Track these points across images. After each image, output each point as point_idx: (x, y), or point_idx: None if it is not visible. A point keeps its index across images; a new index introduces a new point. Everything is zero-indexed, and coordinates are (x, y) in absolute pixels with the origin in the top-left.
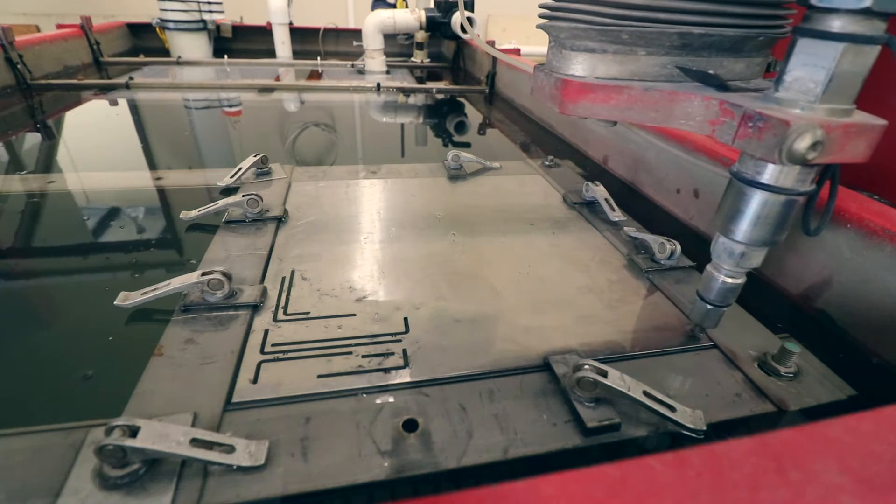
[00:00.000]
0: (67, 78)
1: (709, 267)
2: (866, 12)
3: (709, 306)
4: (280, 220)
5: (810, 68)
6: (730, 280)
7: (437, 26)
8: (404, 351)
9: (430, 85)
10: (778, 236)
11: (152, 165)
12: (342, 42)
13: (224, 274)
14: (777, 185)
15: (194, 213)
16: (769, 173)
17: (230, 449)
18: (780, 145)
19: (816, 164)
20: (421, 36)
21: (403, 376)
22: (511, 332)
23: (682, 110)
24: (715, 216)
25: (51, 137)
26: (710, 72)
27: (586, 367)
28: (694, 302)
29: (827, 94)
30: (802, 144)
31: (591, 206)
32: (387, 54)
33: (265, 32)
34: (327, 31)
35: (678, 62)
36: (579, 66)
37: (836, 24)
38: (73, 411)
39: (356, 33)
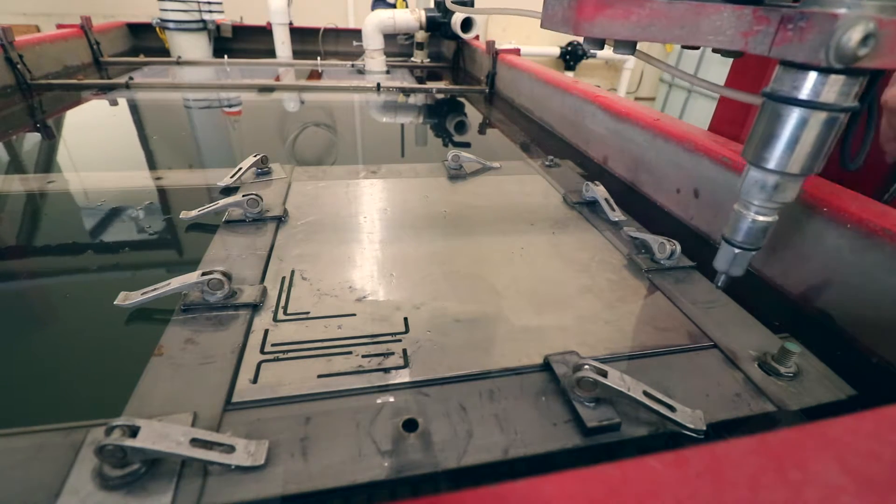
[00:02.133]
0: (67, 78)
1: (736, 206)
2: None
3: (736, 250)
4: (280, 220)
5: None
6: (760, 218)
7: (437, 26)
8: (404, 351)
9: (430, 85)
10: (816, 163)
11: (152, 165)
12: (342, 42)
13: (224, 274)
14: (818, 100)
15: (194, 212)
16: (809, 86)
17: (230, 449)
18: (828, 42)
19: (863, 72)
20: (421, 36)
21: (403, 376)
22: (511, 331)
23: (710, 24)
24: (745, 147)
25: (51, 137)
26: None
27: (586, 367)
28: (720, 247)
29: None
30: (854, 37)
31: (591, 206)
32: (387, 54)
33: (265, 32)
34: (327, 31)
35: None
36: None
37: None
38: (73, 411)
39: (356, 33)
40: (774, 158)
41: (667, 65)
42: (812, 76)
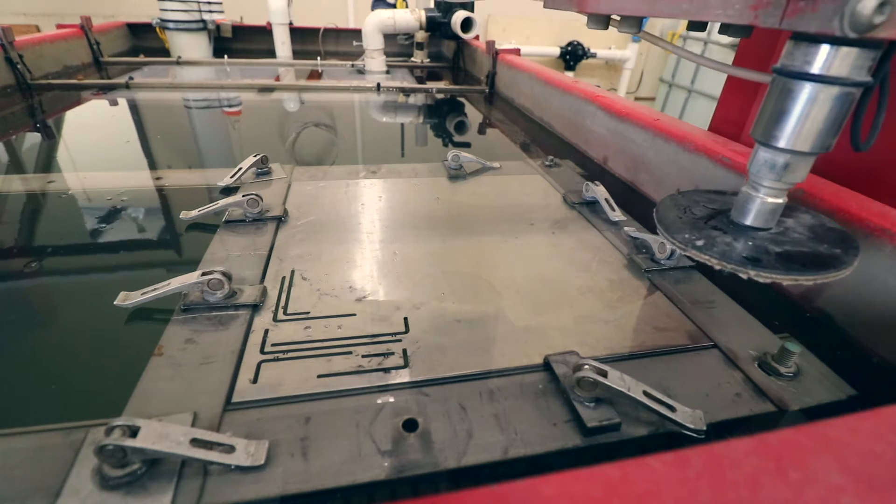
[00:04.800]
0: (67, 78)
1: (745, 188)
2: None
3: None
4: (280, 220)
5: None
6: (770, 199)
7: (437, 26)
8: (404, 351)
9: (430, 85)
10: (827, 140)
11: (152, 165)
12: (342, 42)
13: (224, 274)
14: (830, 75)
15: (194, 212)
16: (821, 60)
17: (230, 449)
18: (842, 10)
19: (878, 44)
20: (421, 36)
21: (403, 376)
22: (511, 331)
23: None
24: (754, 127)
25: (51, 137)
26: None
27: (586, 367)
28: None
29: None
30: (870, 3)
31: (591, 206)
32: (387, 54)
33: (265, 32)
34: (327, 31)
35: None
36: None
37: None
38: (73, 411)
39: (356, 33)
40: (785, 136)
41: (673, 45)
42: (824, 49)
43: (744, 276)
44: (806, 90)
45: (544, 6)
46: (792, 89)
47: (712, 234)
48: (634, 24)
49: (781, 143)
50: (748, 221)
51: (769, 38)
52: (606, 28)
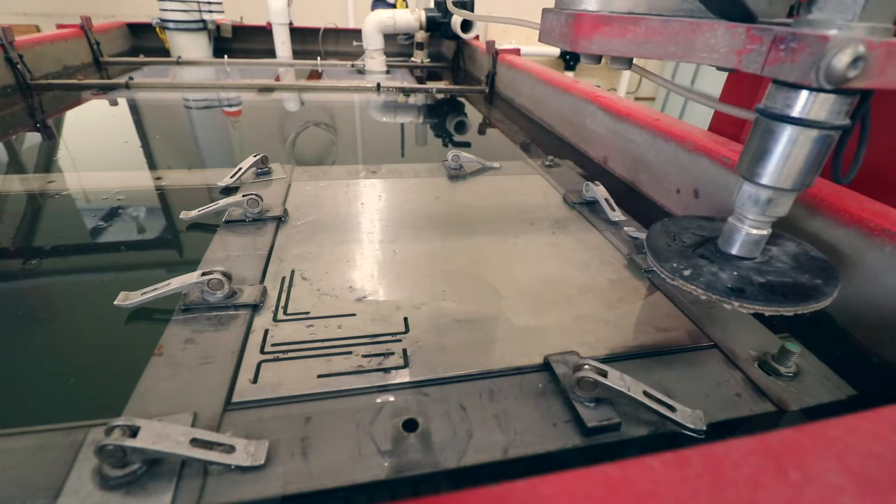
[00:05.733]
0: (67, 78)
1: (731, 219)
2: None
3: None
4: (280, 220)
5: None
6: (754, 231)
7: (437, 26)
8: (404, 351)
9: (430, 85)
10: (808, 178)
11: (152, 165)
12: (342, 42)
13: (224, 274)
14: (809, 118)
15: (194, 213)
16: (801, 105)
17: (230, 449)
18: (818, 63)
19: (854, 92)
20: (421, 36)
21: (403, 376)
22: (511, 331)
23: (704, 42)
24: (739, 161)
25: (51, 137)
26: None
27: (586, 367)
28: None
29: (866, 10)
30: (843, 60)
31: (591, 206)
32: (387, 54)
33: (265, 32)
34: (327, 31)
35: None
36: (593, 0)
37: None
38: (73, 411)
39: (356, 33)
40: (767, 174)
41: (662, 79)
42: (804, 94)
43: (728, 307)
44: (787, 132)
45: (539, 40)
46: (774, 130)
47: (699, 264)
48: (626, 61)
49: (764, 181)
50: (734, 251)
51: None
52: (599, 62)
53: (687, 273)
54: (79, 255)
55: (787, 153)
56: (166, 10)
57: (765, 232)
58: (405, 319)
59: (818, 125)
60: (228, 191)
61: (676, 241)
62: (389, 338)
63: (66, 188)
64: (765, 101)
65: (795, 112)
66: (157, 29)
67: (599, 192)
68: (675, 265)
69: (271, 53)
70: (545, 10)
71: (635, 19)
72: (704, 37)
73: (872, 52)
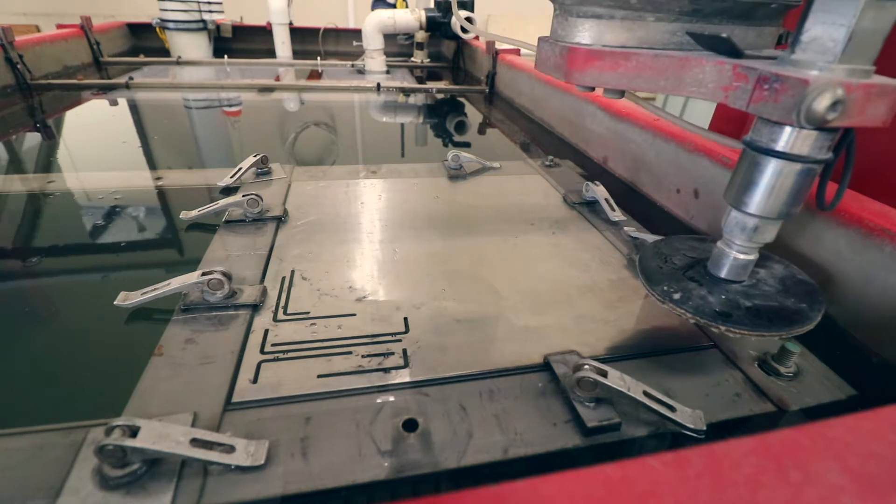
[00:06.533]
0: (67, 78)
1: (719, 243)
2: None
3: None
4: (280, 220)
5: (829, 26)
6: (742, 256)
7: (437, 26)
8: (404, 351)
9: (430, 85)
10: (793, 208)
11: (152, 165)
12: (342, 42)
13: (224, 274)
14: (793, 153)
15: (194, 213)
16: (785, 140)
17: (230, 449)
18: (799, 106)
19: (835, 128)
20: (421, 36)
21: (403, 376)
22: (511, 332)
23: (692, 77)
24: (727, 189)
25: (51, 137)
26: (723, 35)
27: (586, 367)
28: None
29: (846, 53)
30: (822, 104)
31: (591, 206)
32: (387, 54)
33: (265, 32)
34: (327, 31)
35: (688, 28)
36: (586, 34)
37: None
38: (73, 411)
39: (356, 33)
40: (754, 203)
41: (655, 107)
42: (787, 130)
43: (715, 331)
44: (772, 165)
45: (535, 67)
46: (759, 163)
47: (689, 287)
48: (618, 92)
49: (751, 210)
50: (722, 275)
51: None
52: (592, 91)
53: (677, 297)
54: (79, 255)
55: (772, 185)
56: (166, 10)
57: (752, 257)
58: (405, 319)
59: (801, 159)
60: (228, 191)
61: (668, 263)
62: (389, 338)
63: (67, 188)
64: (751, 134)
65: (779, 146)
66: (157, 29)
67: (599, 192)
68: (665, 288)
69: (271, 53)
70: (541, 40)
71: (627, 54)
72: (693, 72)
73: (851, 94)
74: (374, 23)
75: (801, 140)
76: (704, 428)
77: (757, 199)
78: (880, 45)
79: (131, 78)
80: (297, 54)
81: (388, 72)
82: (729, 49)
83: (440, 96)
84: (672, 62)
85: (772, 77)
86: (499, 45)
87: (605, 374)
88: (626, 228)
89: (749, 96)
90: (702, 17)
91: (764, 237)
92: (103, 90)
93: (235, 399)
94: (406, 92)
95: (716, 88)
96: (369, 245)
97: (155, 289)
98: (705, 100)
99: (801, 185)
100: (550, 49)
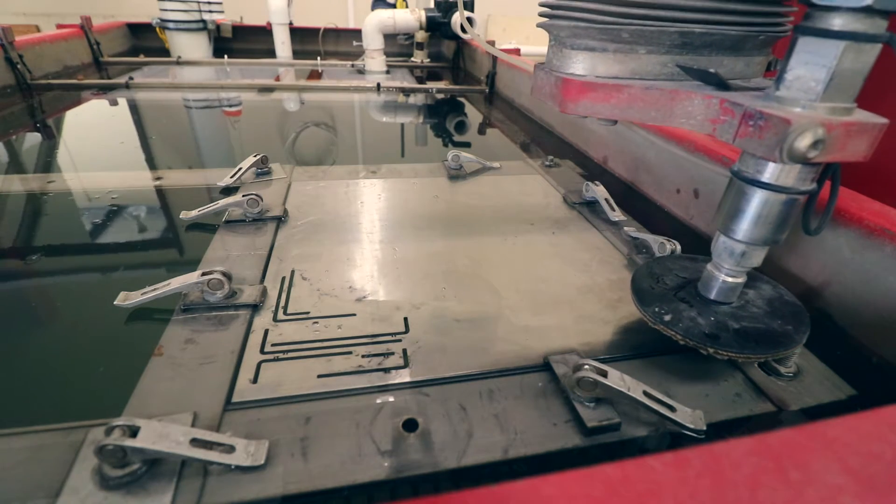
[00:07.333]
0: (67, 78)
1: (709, 266)
2: (867, 10)
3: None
4: (280, 220)
5: (811, 67)
6: (730, 279)
7: (437, 26)
8: (404, 351)
9: (430, 85)
10: (779, 235)
11: (152, 165)
12: (342, 42)
13: (224, 274)
14: (778, 184)
15: (194, 213)
16: (770, 172)
17: (230, 449)
18: (781, 144)
19: (817, 163)
20: (421, 36)
21: (403, 376)
22: (511, 332)
23: (682, 109)
24: (715, 215)
25: (51, 137)
26: (711, 70)
27: (586, 367)
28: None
29: (828, 92)
30: (803, 143)
31: (591, 206)
32: (387, 54)
33: (265, 32)
34: (327, 31)
35: (679, 61)
36: (580, 65)
37: (837, 23)
38: (73, 411)
39: (356, 33)
40: (742, 230)
41: (647, 131)
42: (772, 164)
43: (704, 353)
44: (758, 195)
45: (531, 94)
46: (746, 192)
47: (679, 308)
48: (611, 121)
49: (738, 237)
50: (712, 296)
51: None
52: (586, 118)
53: (668, 318)
54: (79, 255)
55: (758, 213)
56: (166, 10)
57: (740, 280)
58: (405, 319)
59: (786, 190)
60: (228, 191)
61: (660, 284)
62: (389, 338)
63: (67, 188)
64: (738, 164)
65: (765, 178)
66: (157, 29)
67: (599, 192)
68: (656, 309)
69: (271, 53)
70: (537, 67)
71: (619, 86)
72: (682, 104)
73: (832, 132)
74: (374, 23)
75: (785, 173)
76: (704, 428)
77: (744, 227)
78: (861, 84)
79: (131, 78)
80: (297, 54)
81: (388, 72)
82: (717, 82)
83: (440, 96)
84: (663, 95)
85: (756, 114)
86: (499, 45)
87: (605, 374)
88: (626, 228)
89: (735, 131)
90: (692, 49)
91: (751, 262)
92: (103, 90)
93: (235, 399)
94: (406, 92)
95: (704, 121)
96: (369, 245)
97: (155, 289)
98: (694, 130)
99: (787, 215)
100: (546, 78)
